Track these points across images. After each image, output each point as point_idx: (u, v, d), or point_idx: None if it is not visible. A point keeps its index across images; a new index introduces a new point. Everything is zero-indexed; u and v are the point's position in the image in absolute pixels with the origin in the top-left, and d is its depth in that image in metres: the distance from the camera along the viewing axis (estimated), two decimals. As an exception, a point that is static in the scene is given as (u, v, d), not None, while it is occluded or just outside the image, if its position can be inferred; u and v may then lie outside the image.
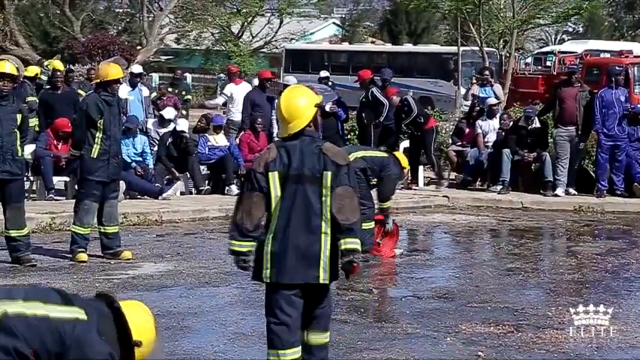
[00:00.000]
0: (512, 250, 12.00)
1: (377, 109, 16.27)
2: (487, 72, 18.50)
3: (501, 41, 31.29)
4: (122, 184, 12.58)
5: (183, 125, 15.42)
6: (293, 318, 5.94)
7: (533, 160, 16.00)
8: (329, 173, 5.92)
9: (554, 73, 29.43)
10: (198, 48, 47.37)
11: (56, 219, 12.30)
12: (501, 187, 15.82)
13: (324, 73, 22.79)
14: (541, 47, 46.07)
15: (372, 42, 50.06)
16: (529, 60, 35.84)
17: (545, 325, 8.24)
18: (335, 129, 16.40)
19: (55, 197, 13.84)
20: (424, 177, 16.92)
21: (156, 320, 4.86)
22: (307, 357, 6.07)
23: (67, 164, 13.92)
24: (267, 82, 17.14)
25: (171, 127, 15.65)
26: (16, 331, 4.36)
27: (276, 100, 6.91)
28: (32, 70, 17.95)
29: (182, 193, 15.13)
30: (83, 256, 10.47)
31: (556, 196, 15.56)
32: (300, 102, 6.05)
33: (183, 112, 18.32)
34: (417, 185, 16.49)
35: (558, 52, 32.85)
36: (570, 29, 57.36)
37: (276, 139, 7.94)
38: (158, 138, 15.66)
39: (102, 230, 10.66)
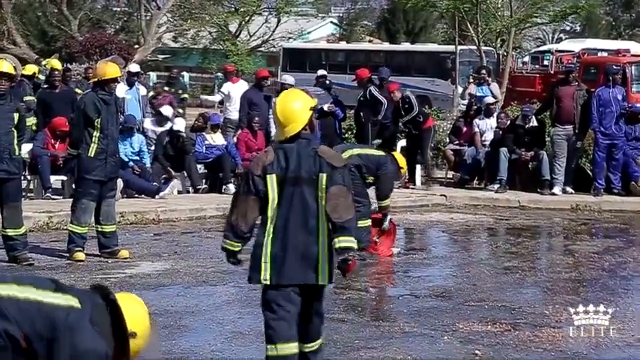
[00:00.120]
0: (510, 249, 12.01)
1: (375, 108, 16.30)
2: (484, 71, 18.54)
3: (499, 40, 31.36)
4: (120, 183, 12.58)
5: (180, 125, 15.42)
6: (291, 313, 5.96)
7: (530, 159, 16.02)
8: (324, 175, 5.97)
9: (552, 71, 29.47)
10: (196, 47, 47.38)
11: (53, 218, 12.30)
12: (499, 185, 15.83)
13: (321, 72, 22.80)
14: (538, 46, 46.13)
15: (370, 41, 50.05)
16: (526, 59, 35.96)
17: (543, 323, 8.24)
18: (333, 128, 16.46)
19: (53, 196, 13.84)
20: (421, 176, 16.92)
21: (153, 319, 4.86)
22: None
23: (64, 163, 13.93)
24: (265, 81, 17.13)
25: (168, 126, 15.66)
26: (8, 314, 4.32)
27: (273, 100, 6.99)
28: (30, 69, 17.93)
29: (179, 192, 15.14)
30: (80, 255, 10.46)
31: (553, 194, 15.58)
32: (296, 106, 6.10)
33: (180, 111, 18.30)
34: (415, 184, 16.50)
35: (556, 50, 32.88)
36: (568, 28, 57.44)
37: (273, 138, 7.97)
38: (155, 137, 15.66)
39: (99, 229, 10.66)
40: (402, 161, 11.46)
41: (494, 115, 16.79)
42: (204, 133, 15.73)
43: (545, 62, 32.49)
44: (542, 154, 15.78)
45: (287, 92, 6.50)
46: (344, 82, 28.14)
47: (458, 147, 16.90)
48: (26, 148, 13.37)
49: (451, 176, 17.00)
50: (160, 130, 15.79)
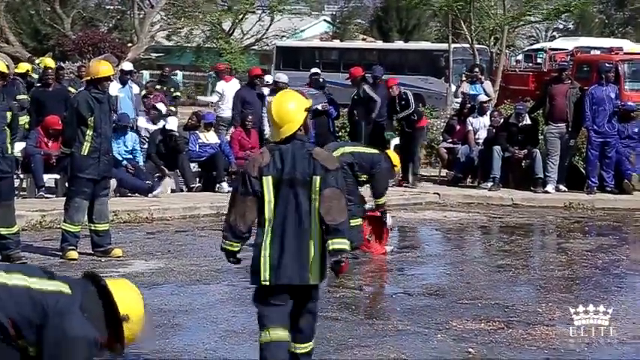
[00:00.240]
0: (503, 247, 12.03)
1: (368, 106, 16.31)
2: (477, 69, 18.54)
3: (492, 38, 31.33)
4: (113, 182, 12.57)
5: (172, 123, 15.40)
6: (286, 305, 6.04)
7: (523, 157, 16.03)
8: (318, 177, 6.02)
9: (545, 70, 29.51)
10: (189, 45, 47.32)
11: (46, 217, 12.28)
12: (492, 183, 15.85)
13: (314, 71, 22.77)
14: (532, 44, 46.12)
15: (363, 39, 50.05)
16: (520, 57, 35.95)
17: (536, 321, 8.26)
18: (326, 126, 16.46)
19: (46, 195, 13.82)
20: (411, 174, 16.89)
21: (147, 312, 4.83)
22: None
23: (57, 162, 13.90)
24: (258, 80, 17.12)
25: (161, 124, 15.64)
26: None
27: (267, 99, 6.99)
28: (23, 67, 17.88)
29: (173, 191, 15.12)
30: (73, 254, 10.46)
31: (546, 192, 15.59)
32: (291, 106, 6.13)
33: (172, 109, 18.29)
34: (408, 182, 16.49)
35: (549, 49, 32.91)
36: (561, 26, 57.46)
37: (267, 137, 7.97)
38: (148, 135, 15.64)
39: (92, 228, 10.65)
40: (395, 159, 11.45)
41: (488, 113, 16.81)
42: (197, 132, 15.71)
43: (539, 60, 32.51)
44: (535, 152, 15.80)
45: (282, 93, 6.52)
46: (337, 80, 28.13)
47: (451, 145, 16.92)
48: (19, 146, 13.35)
49: (444, 174, 17.01)
50: (153, 128, 15.77)
